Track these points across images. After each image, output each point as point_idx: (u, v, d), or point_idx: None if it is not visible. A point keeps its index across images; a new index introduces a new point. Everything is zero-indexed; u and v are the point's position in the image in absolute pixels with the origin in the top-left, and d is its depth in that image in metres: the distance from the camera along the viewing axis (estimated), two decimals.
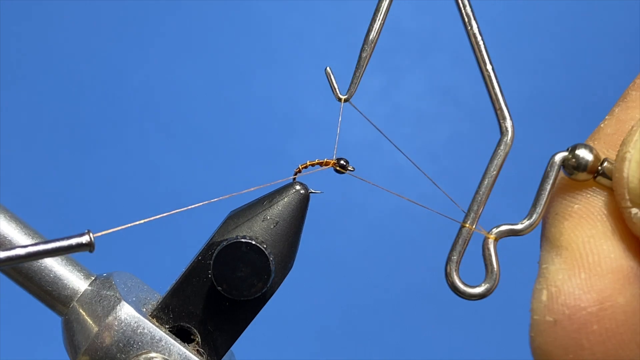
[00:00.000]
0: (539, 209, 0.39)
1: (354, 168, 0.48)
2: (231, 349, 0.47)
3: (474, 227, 0.41)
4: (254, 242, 0.44)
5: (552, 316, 0.35)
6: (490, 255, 0.40)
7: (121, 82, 1.45)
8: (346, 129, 0.43)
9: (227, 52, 1.48)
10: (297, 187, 0.47)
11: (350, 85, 0.45)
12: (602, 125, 0.39)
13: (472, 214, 0.41)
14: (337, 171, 0.48)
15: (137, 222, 0.41)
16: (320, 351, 1.34)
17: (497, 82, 0.41)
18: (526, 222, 0.39)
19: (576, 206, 0.37)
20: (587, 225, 0.36)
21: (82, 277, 0.47)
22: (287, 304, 1.30)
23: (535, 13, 1.49)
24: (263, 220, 0.46)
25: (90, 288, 0.46)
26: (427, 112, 1.44)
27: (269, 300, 0.46)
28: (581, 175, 0.37)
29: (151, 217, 0.41)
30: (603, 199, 0.37)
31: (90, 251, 0.37)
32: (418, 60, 1.47)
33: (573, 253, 0.36)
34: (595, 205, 0.37)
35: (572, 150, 0.38)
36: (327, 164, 0.48)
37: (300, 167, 0.48)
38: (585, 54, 1.48)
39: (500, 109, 0.41)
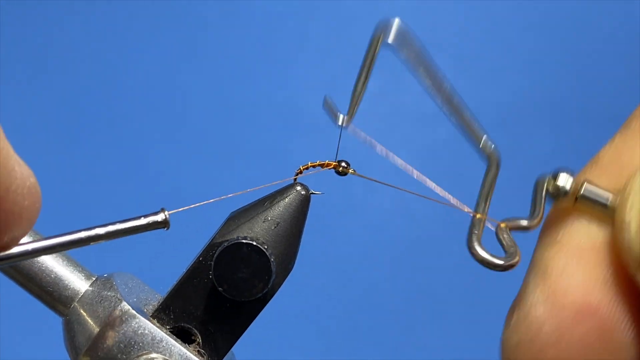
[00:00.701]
0: (538, 211, 0.38)
1: (355, 170, 0.48)
2: (232, 349, 0.47)
3: (485, 216, 0.40)
4: (255, 243, 0.44)
5: (516, 336, 0.36)
6: (507, 238, 0.39)
7: (120, 80, 1.45)
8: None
9: (227, 52, 1.48)
10: (298, 188, 0.47)
11: (349, 111, 0.44)
12: (600, 153, 0.38)
13: (482, 205, 0.40)
14: (338, 173, 0.48)
15: (207, 202, 0.42)
16: (320, 351, 1.34)
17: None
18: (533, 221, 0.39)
19: (560, 233, 0.36)
20: (565, 255, 0.35)
21: (83, 277, 0.47)
22: (287, 305, 1.30)
23: (537, 13, 1.49)
24: (264, 221, 0.46)
25: (91, 289, 0.46)
26: (427, 112, 1.44)
27: (270, 301, 0.46)
28: (563, 200, 0.37)
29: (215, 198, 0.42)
30: (590, 228, 0.36)
31: (167, 229, 0.38)
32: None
33: (545, 280, 0.35)
34: (579, 236, 0.36)
35: (553, 176, 0.37)
36: (328, 165, 0.48)
37: (301, 168, 0.48)
38: (586, 55, 1.48)
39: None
